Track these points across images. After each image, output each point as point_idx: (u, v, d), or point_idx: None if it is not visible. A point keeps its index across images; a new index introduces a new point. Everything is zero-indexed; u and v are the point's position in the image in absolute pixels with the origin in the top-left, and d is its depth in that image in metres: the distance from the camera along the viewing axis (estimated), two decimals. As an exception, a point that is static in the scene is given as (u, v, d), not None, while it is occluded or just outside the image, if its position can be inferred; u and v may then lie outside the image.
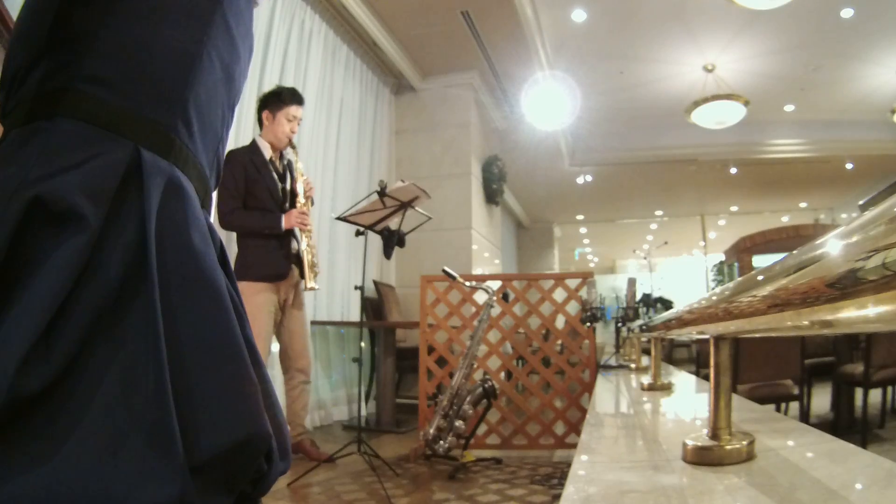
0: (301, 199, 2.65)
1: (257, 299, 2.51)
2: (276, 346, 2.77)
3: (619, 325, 3.81)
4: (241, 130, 3.19)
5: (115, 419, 0.50)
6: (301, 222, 2.58)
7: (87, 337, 0.52)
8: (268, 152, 2.64)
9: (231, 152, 2.63)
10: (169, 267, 0.58)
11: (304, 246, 2.62)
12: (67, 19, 0.61)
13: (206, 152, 0.70)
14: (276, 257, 2.56)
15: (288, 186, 2.68)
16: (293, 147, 2.67)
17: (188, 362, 0.55)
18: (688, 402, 1.70)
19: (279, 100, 2.63)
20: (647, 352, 3.00)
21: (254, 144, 2.67)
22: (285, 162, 2.72)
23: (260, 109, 2.70)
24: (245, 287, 2.51)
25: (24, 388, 0.46)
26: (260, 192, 2.57)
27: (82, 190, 0.54)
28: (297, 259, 2.64)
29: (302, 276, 2.64)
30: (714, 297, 0.73)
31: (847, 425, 3.11)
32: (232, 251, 2.69)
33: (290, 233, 2.60)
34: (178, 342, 0.55)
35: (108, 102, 0.60)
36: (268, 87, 3.45)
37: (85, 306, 0.52)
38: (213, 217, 2.88)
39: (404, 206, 2.68)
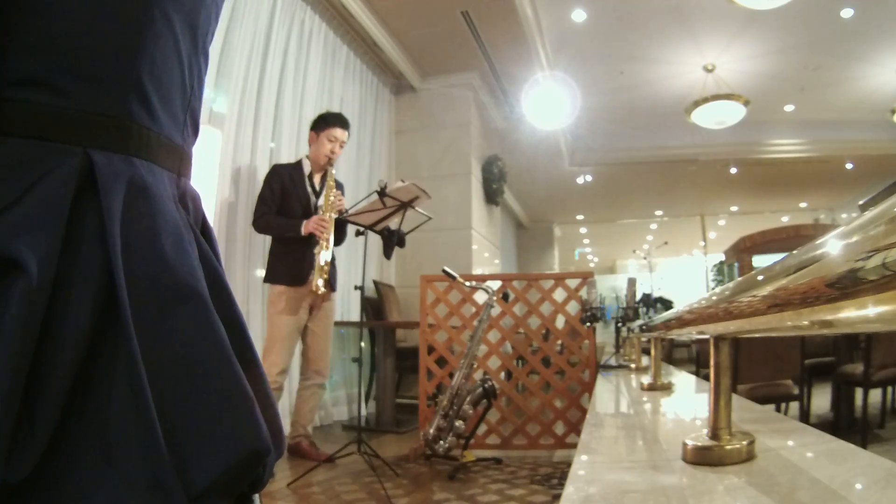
0: (323, 209, 2.79)
1: (281, 301, 2.69)
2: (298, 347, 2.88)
3: (619, 325, 3.81)
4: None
5: (108, 477, 0.48)
6: (319, 227, 2.68)
7: (69, 395, 0.48)
8: (308, 168, 2.86)
9: (275, 166, 2.92)
10: (141, 288, 0.53)
11: (317, 252, 2.71)
12: None
13: (174, 115, 0.63)
14: (299, 264, 2.72)
15: (321, 201, 2.84)
16: (331, 166, 2.83)
17: (176, 392, 0.52)
18: (688, 402, 1.70)
19: (324, 122, 2.84)
20: (647, 352, 2.99)
21: (298, 162, 2.90)
22: (327, 180, 2.88)
23: (310, 131, 2.91)
24: (271, 290, 2.74)
25: (13, 476, 0.43)
26: (293, 202, 2.79)
27: (27, 229, 0.47)
28: (321, 268, 2.75)
29: (330, 285, 2.77)
30: (714, 297, 0.72)
31: (847, 425, 3.11)
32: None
33: (314, 243, 2.73)
34: (162, 372, 0.52)
35: (46, 107, 0.52)
36: (268, 87, 3.47)
37: (59, 363, 0.47)
38: (216, 216, 2.93)
39: (404, 206, 2.69)
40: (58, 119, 0.52)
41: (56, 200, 0.49)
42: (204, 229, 0.66)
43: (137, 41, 0.56)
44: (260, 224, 2.77)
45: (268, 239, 3.34)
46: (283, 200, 2.78)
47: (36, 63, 0.52)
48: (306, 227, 2.68)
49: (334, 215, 2.76)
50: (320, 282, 2.64)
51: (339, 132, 2.82)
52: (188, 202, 0.64)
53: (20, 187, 0.49)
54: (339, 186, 2.90)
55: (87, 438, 0.49)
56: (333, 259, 2.80)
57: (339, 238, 2.87)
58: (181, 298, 0.55)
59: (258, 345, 3.14)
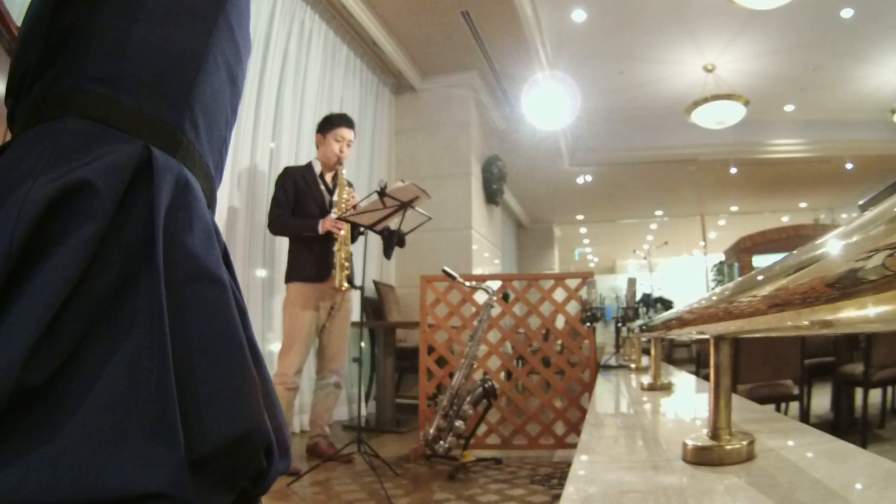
0: (337, 208, 2.85)
1: (300, 299, 2.72)
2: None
3: (619, 325, 3.80)
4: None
5: (116, 411, 0.50)
6: (335, 225, 2.74)
7: (90, 328, 0.52)
8: (318, 169, 2.91)
9: (287, 168, 2.97)
10: (174, 262, 0.58)
11: (337, 249, 2.78)
12: (70, 20, 0.61)
13: (212, 153, 0.71)
14: (317, 261, 2.77)
15: (335, 198, 2.90)
16: (340, 165, 2.89)
17: (191, 357, 0.56)
18: (688, 402, 1.70)
19: (329, 123, 2.90)
20: (647, 352, 2.99)
21: (309, 164, 2.96)
22: (339, 179, 2.94)
23: (316, 134, 2.96)
24: (291, 287, 2.77)
25: (27, 382, 0.47)
26: (308, 202, 2.84)
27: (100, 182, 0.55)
28: (342, 265, 2.80)
29: (349, 282, 2.80)
30: (714, 297, 0.72)
31: (847, 425, 3.11)
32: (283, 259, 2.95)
33: (332, 240, 2.78)
34: (181, 337, 0.55)
35: (116, 101, 0.61)
36: (268, 87, 3.48)
37: (88, 298, 0.52)
38: (217, 216, 2.93)
39: (404, 206, 2.68)
40: (125, 112, 0.61)
41: (118, 171, 0.57)
42: (225, 257, 0.70)
43: (195, 72, 0.67)
44: (276, 225, 2.81)
45: (272, 239, 3.37)
46: (299, 201, 2.83)
47: (112, 66, 0.62)
48: (323, 225, 2.74)
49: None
50: (342, 278, 2.71)
51: (345, 132, 2.88)
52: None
53: (90, 156, 0.56)
54: (349, 184, 2.95)
55: (104, 366, 0.52)
56: (351, 256, 2.85)
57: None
58: (206, 278, 0.60)
59: (271, 345, 3.16)
